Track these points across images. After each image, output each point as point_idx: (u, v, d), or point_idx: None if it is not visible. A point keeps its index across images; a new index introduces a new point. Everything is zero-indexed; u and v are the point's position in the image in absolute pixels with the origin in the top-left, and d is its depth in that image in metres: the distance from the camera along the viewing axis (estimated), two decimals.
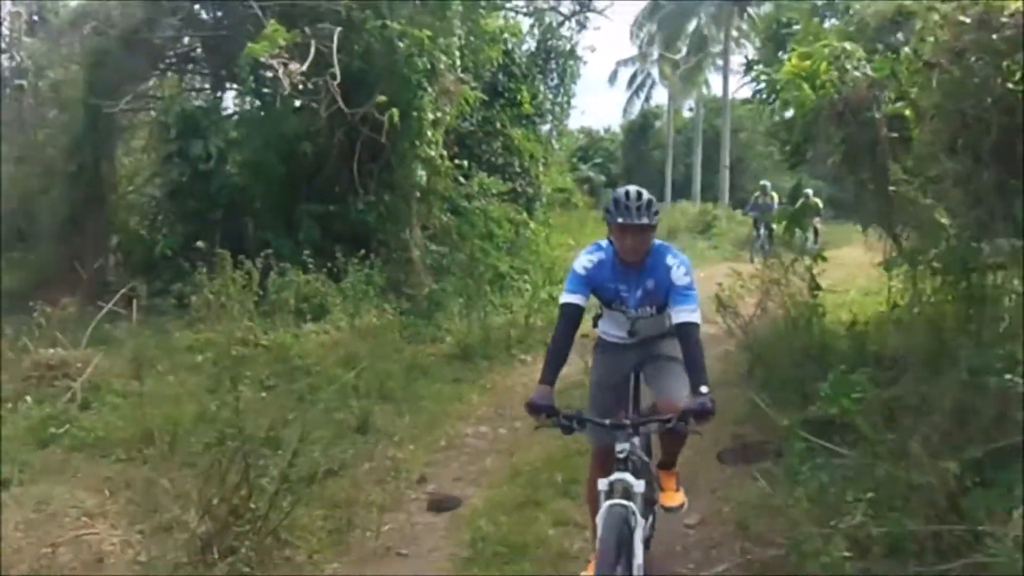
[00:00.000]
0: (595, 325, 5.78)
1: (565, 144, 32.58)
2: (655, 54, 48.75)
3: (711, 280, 12.17)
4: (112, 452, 8.03)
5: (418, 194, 15.93)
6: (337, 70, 13.69)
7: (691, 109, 52.08)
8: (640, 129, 51.69)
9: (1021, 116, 6.02)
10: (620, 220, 4.95)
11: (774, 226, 19.66)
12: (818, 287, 9.77)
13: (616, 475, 4.78)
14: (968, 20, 6.33)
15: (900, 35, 9.71)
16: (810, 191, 21.74)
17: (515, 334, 13.48)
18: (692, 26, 46.71)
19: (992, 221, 6.39)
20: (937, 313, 7.35)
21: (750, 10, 41.37)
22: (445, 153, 16.41)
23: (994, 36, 6.13)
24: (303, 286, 13.04)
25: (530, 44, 22.73)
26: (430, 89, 15.12)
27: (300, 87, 13.71)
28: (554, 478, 7.66)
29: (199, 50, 17.88)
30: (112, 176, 16.86)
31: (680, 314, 4.99)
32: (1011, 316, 6.09)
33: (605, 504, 4.70)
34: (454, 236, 17.00)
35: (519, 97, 20.59)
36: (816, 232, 20.70)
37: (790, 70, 9.34)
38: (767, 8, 33.75)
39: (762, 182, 25.89)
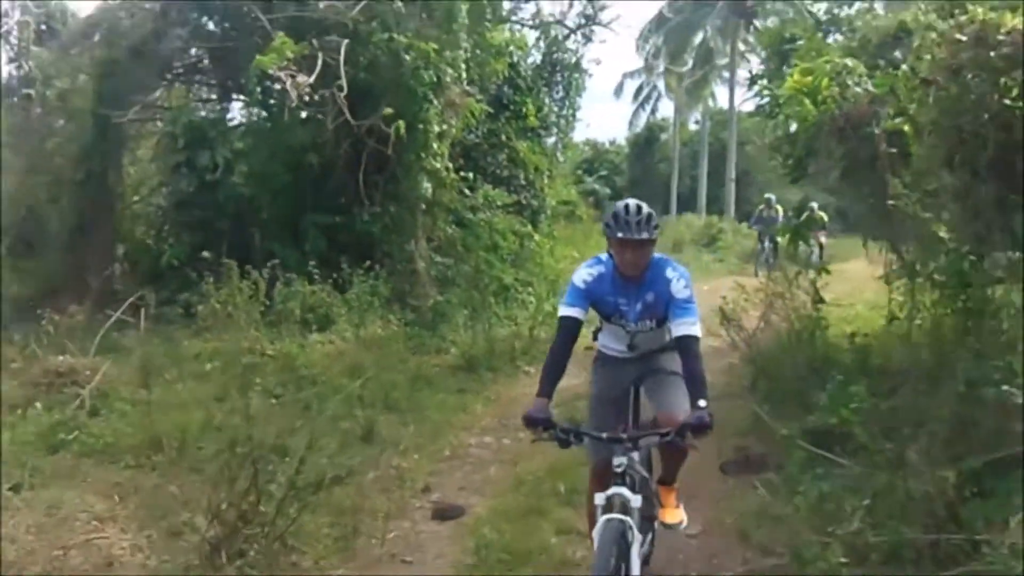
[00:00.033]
0: (595, 339, 5.75)
1: (570, 156, 32.69)
2: (661, 66, 48.60)
3: (716, 293, 12.24)
4: (121, 458, 8.11)
5: (423, 206, 15.96)
6: (344, 82, 13.77)
7: (697, 122, 51.88)
8: (646, 142, 51.45)
9: (1018, 132, 6.11)
10: (620, 235, 4.92)
11: (779, 239, 19.66)
12: (821, 300, 9.84)
13: (613, 489, 4.76)
14: (965, 38, 6.42)
15: (899, 52, 9.79)
16: (815, 204, 21.75)
17: (519, 346, 13.50)
18: (698, 39, 46.45)
19: (990, 235, 6.48)
20: (936, 326, 7.44)
21: (756, 23, 41.35)
22: (450, 165, 16.44)
23: (991, 54, 6.22)
24: (309, 296, 13.12)
25: (536, 57, 22.73)
26: (436, 101, 15.17)
27: (307, 99, 13.73)
28: (557, 487, 7.69)
29: (206, 61, 17.94)
30: (119, 186, 16.91)
31: (680, 327, 4.96)
32: (1009, 329, 6.16)
33: (602, 519, 4.68)
34: (459, 248, 17.04)
35: (524, 110, 20.60)
36: (821, 247, 20.71)
37: (792, 85, 9.43)
38: (773, 22, 33.98)
39: (767, 195, 25.80)
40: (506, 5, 22.27)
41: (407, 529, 7.32)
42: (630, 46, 52.17)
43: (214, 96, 18.68)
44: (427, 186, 15.64)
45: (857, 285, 15.14)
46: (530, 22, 23.19)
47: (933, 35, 7.08)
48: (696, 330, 4.97)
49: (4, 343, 10.79)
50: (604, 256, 5.25)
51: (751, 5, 41.82)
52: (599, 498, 4.79)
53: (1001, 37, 6.28)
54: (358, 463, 8.07)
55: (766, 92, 12.11)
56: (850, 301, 11.94)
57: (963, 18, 6.64)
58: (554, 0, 45.91)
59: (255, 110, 15.64)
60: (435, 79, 14.91)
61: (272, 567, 6.02)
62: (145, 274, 15.28)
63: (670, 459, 5.55)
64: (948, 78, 6.51)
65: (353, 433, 8.95)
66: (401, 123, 14.01)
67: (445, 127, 15.74)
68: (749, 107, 22.25)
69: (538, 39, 23.11)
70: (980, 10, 6.62)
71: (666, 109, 52.79)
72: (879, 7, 12.03)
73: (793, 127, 9.95)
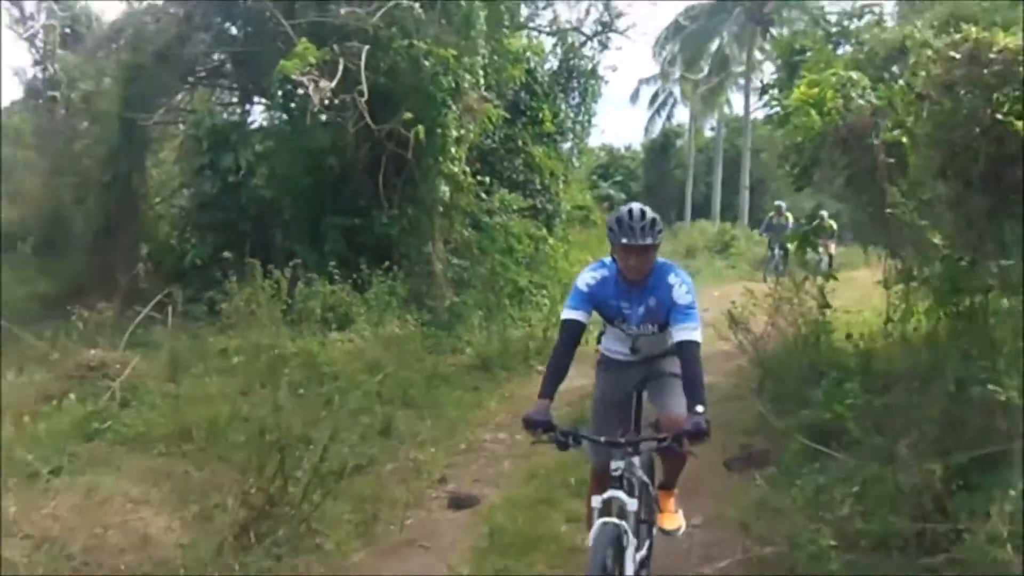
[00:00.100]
0: (599, 342, 5.74)
1: (585, 162, 32.76)
2: (677, 73, 48.36)
3: (727, 298, 12.44)
4: (153, 447, 8.43)
5: (441, 209, 16.18)
6: (364, 87, 13.99)
7: (712, 128, 51.59)
8: (661, 148, 51.18)
9: (1008, 145, 6.35)
10: (624, 240, 4.90)
11: (788, 246, 19.76)
12: (827, 305, 10.03)
13: (610, 493, 4.77)
14: (959, 56, 6.63)
15: (898, 67, 9.99)
16: (825, 213, 21.82)
17: (533, 346, 13.70)
18: (714, 46, 46.28)
19: (982, 243, 6.69)
20: (930, 328, 7.67)
21: (773, 30, 41.31)
22: (468, 169, 16.64)
23: (984, 71, 6.44)
24: (329, 296, 13.34)
25: (552, 63, 22.97)
26: (454, 106, 15.37)
27: (328, 103, 13.94)
28: (567, 480, 7.91)
29: (228, 65, 18.16)
30: (142, 187, 17.25)
31: (680, 332, 4.95)
32: (998, 332, 6.37)
33: (598, 522, 4.69)
34: (475, 250, 17.25)
35: (541, 115, 20.84)
36: (831, 256, 20.82)
37: (799, 97, 9.61)
38: (788, 30, 34.00)
39: (777, 202, 25.81)
40: (524, 12, 22.43)
41: (424, 517, 7.66)
42: (646, 53, 52.40)
43: (235, 99, 18.95)
44: (445, 189, 15.84)
45: (866, 292, 15.14)
46: (547, 29, 23.45)
47: (929, 52, 7.31)
48: (696, 336, 4.96)
49: (34, 338, 11.07)
50: (608, 260, 5.25)
51: (767, 13, 41.79)
52: (596, 501, 4.82)
53: (993, 55, 6.47)
54: (377, 454, 8.40)
55: (775, 102, 12.34)
56: (858, 308, 12.08)
57: (957, 36, 6.87)
58: (571, 6, 45.97)
59: (276, 113, 15.93)
60: (453, 84, 15.13)
61: (297, 548, 6.38)
62: (169, 273, 15.48)
63: (669, 464, 5.60)
64: (942, 93, 6.71)
65: (372, 427, 9.20)
66: (420, 127, 14.20)
67: (463, 132, 15.94)
68: (764, 115, 22.37)
69: (555, 45, 23.39)
70: (974, 29, 6.86)
71: (682, 115, 52.59)
72: (889, 20, 12.20)
73: (800, 137, 10.11)
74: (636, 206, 5.00)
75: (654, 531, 5.58)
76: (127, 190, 16.44)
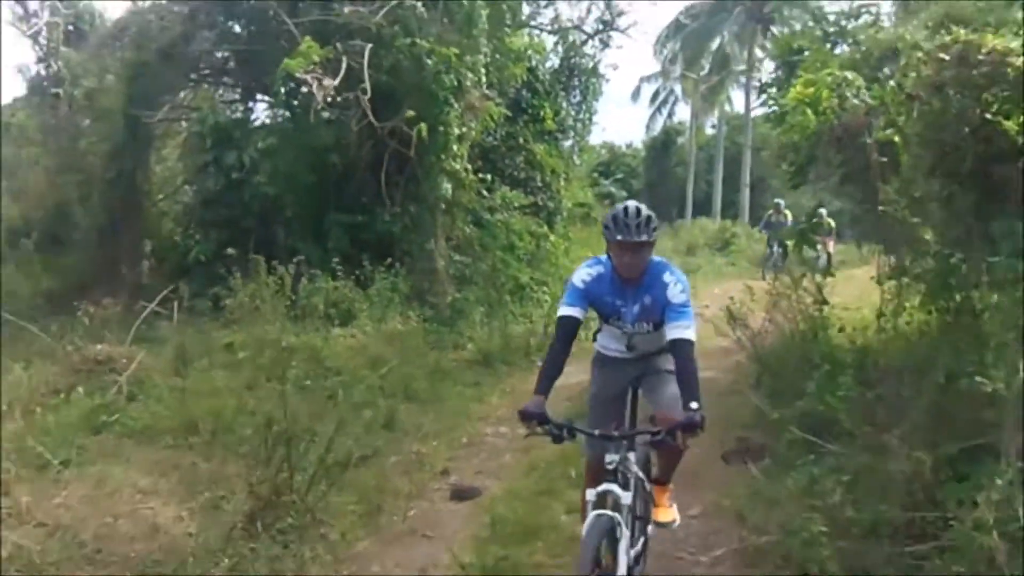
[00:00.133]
0: (595, 339, 5.75)
1: (586, 159, 32.82)
2: (678, 71, 48.31)
3: (726, 295, 12.55)
4: (160, 439, 8.54)
5: (443, 206, 16.25)
6: (367, 85, 14.07)
7: (713, 126, 51.53)
8: (662, 145, 51.18)
9: (996, 144, 6.49)
10: (619, 237, 4.92)
11: (788, 244, 19.78)
12: (824, 302, 10.12)
13: (604, 486, 4.78)
14: (948, 57, 6.77)
15: (892, 67, 10.08)
16: (824, 211, 21.84)
17: (534, 342, 13.82)
18: (715, 44, 46.27)
19: (970, 239, 6.84)
20: (921, 322, 7.80)
21: (773, 29, 41.35)
22: (469, 167, 16.71)
23: (973, 72, 6.58)
24: (332, 292, 13.43)
25: (554, 61, 23.02)
26: (456, 105, 15.45)
27: (331, 101, 14.02)
28: (567, 472, 7.97)
29: (232, 63, 18.25)
30: (146, 184, 17.36)
31: (674, 330, 4.96)
32: (987, 326, 6.48)
33: (591, 514, 4.72)
34: (477, 247, 17.33)
35: (542, 113, 20.89)
36: (829, 254, 20.88)
37: (795, 96, 9.70)
38: (788, 28, 34.01)
39: (776, 200, 25.81)
40: (525, 10, 22.42)
41: (427, 507, 7.78)
42: (647, 51, 52.34)
43: (239, 97, 19.02)
44: (447, 187, 15.91)
45: (865, 289, 15.08)
46: (548, 27, 23.46)
47: (919, 54, 7.44)
48: (690, 334, 4.97)
49: (39, 334, 11.20)
50: (604, 257, 5.25)
51: (768, 11, 41.86)
52: (590, 494, 4.86)
53: (981, 57, 6.60)
54: (381, 447, 8.57)
55: (772, 102, 12.45)
56: (857, 305, 12.15)
57: (947, 38, 7.02)
58: (573, 5, 46.01)
59: (280, 111, 16.02)
60: (456, 83, 15.20)
61: (303, 537, 6.52)
62: (173, 270, 15.71)
63: (664, 459, 5.60)
64: (932, 94, 6.83)
65: (376, 420, 9.34)
66: (422, 125, 14.29)
67: (465, 130, 16.03)
68: (764, 113, 22.39)
69: (556, 44, 23.43)
70: (963, 32, 7.01)
71: (683, 113, 52.46)
72: (886, 21, 12.28)
73: (796, 136, 10.19)
74: (631, 204, 5.07)
75: (649, 528, 5.56)
76: (131, 187, 16.55)
